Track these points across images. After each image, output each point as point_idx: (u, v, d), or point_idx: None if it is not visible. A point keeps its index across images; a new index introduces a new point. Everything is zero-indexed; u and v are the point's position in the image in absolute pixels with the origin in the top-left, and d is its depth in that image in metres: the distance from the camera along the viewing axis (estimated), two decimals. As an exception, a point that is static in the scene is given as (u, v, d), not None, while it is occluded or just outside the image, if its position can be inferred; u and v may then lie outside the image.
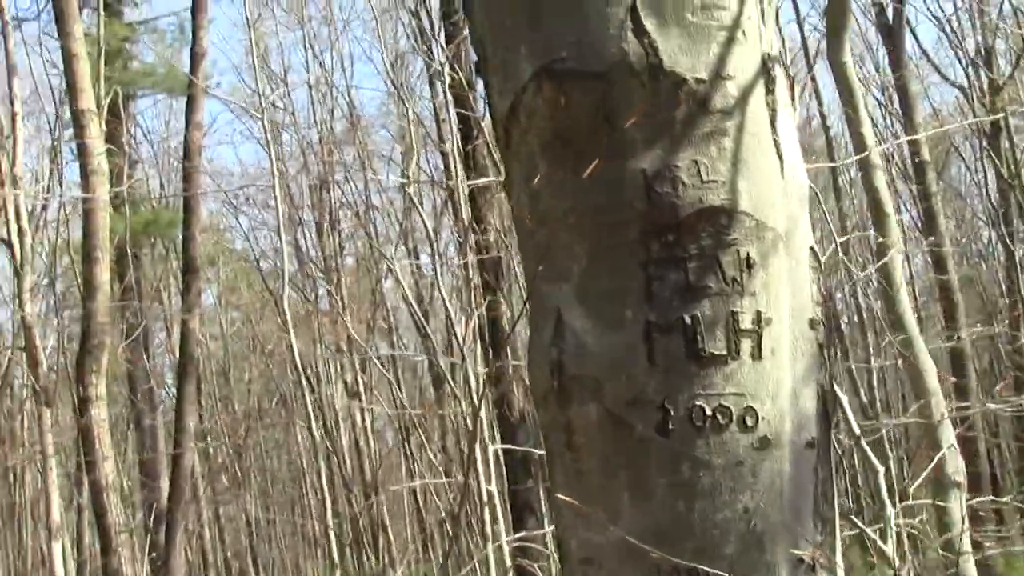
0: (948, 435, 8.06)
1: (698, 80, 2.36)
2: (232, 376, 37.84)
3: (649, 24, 2.36)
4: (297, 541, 37.99)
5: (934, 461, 7.70)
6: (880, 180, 8.02)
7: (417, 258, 26.79)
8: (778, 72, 2.53)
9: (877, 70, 27.40)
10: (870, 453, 6.23)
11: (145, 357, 19.50)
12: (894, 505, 5.93)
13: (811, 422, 2.40)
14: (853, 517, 6.22)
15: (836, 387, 6.25)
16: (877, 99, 28.48)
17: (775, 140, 2.47)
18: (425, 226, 16.00)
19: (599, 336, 2.34)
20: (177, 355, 20.02)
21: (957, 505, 7.79)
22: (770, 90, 2.48)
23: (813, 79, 17.72)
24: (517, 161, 2.49)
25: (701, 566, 2.25)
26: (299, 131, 26.74)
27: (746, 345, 2.32)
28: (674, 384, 2.29)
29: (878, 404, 22.71)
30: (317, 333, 24.70)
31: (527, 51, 2.42)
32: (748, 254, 2.34)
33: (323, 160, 24.46)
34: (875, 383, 23.19)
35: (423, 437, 22.48)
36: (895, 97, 23.79)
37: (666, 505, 2.29)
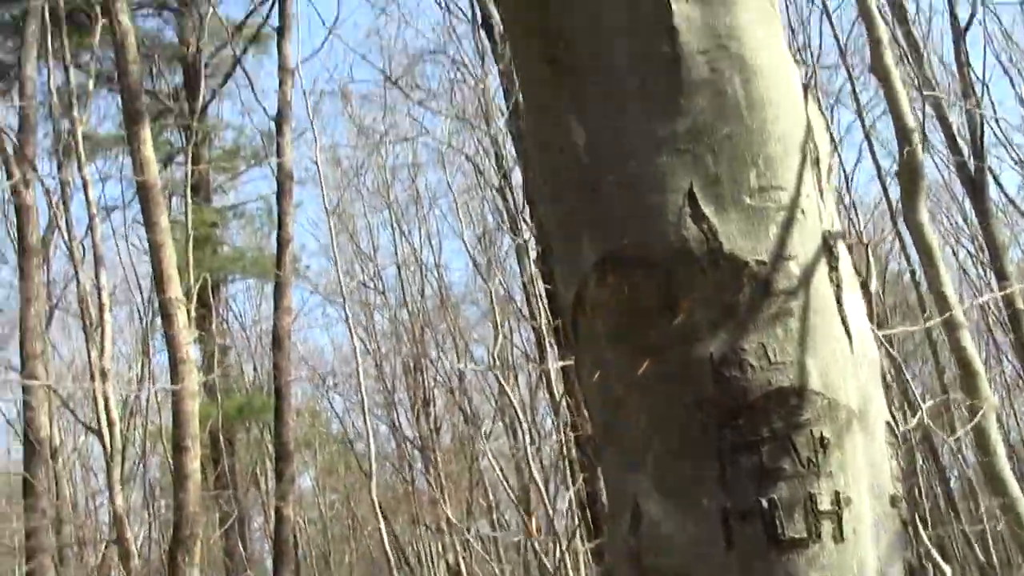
0: None
1: (759, 262, 2.38)
2: (332, 560, 37.70)
3: (707, 209, 2.39)
4: None
5: None
6: (966, 339, 7.91)
7: (514, 433, 26.74)
8: (840, 248, 2.54)
9: (965, 221, 27.24)
10: (935, 555, 6.03)
11: (241, 544, 19.54)
12: None
13: (900, 604, 2.35)
14: None
15: (938, 558, 6.14)
16: (968, 250, 28.30)
17: (842, 316, 2.47)
18: (514, 407, 15.97)
19: (676, 524, 2.33)
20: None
21: None
22: (833, 267, 2.49)
23: (899, 235, 17.66)
24: (585, 348, 2.51)
25: None
26: (390, 310, 27.09)
27: (826, 527, 2.28)
28: (755, 571, 2.26)
29: (997, 568, 22.12)
30: (415, 514, 24.64)
31: (589, 240, 2.46)
32: (822, 434, 2.32)
33: (415, 339, 24.71)
34: (990, 545, 22.55)
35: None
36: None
37: None
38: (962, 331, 7.93)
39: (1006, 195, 25.20)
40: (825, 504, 2.29)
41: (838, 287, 2.49)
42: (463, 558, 23.68)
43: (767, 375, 2.32)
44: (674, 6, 2.50)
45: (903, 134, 7.34)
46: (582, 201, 2.49)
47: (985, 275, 27.03)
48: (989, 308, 27.79)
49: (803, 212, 2.47)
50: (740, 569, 2.26)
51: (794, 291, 2.40)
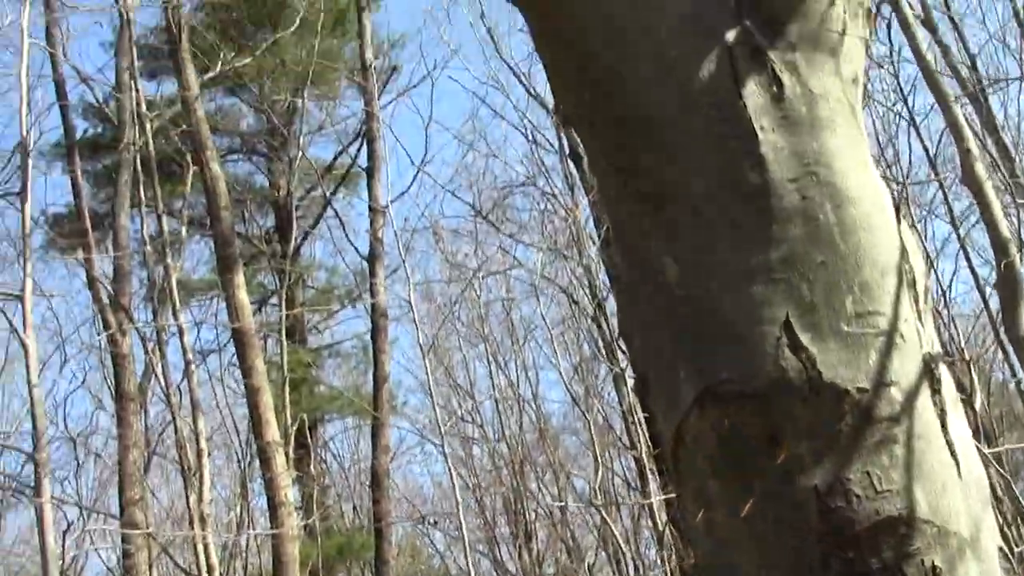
0: None
1: (860, 390, 2.36)
2: None
3: (804, 338, 2.38)
4: None
5: None
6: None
7: (617, 564, 26.39)
8: (942, 370, 2.51)
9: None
10: None
11: None
12: None
13: None
14: None
15: None
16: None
17: (948, 440, 2.43)
18: (616, 539, 15.81)
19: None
20: None
21: None
22: (936, 390, 2.46)
23: (1001, 345, 17.35)
24: (688, 483, 2.50)
25: None
26: (489, 444, 27.03)
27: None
28: None
29: None
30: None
31: (686, 375, 2.46)
32: (933, 563, 2.28)
33: (514, 472, 24.62)
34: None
35: None
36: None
37: None
38: None
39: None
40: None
41: (942, 411, 2.46)
42: None
43: (874, 504, 2.29)
44: (760, 135, 2.52)
45: (999, 245, 7.27)
46: (677, 335, 2.50)
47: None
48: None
49: (902, 336, 2.45)
50: None
51: (897, 417, 2.37)
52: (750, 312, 2.42)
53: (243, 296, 15.52)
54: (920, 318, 2.54)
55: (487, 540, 27.79)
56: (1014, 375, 18.46)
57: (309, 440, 20.72)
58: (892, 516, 2.29)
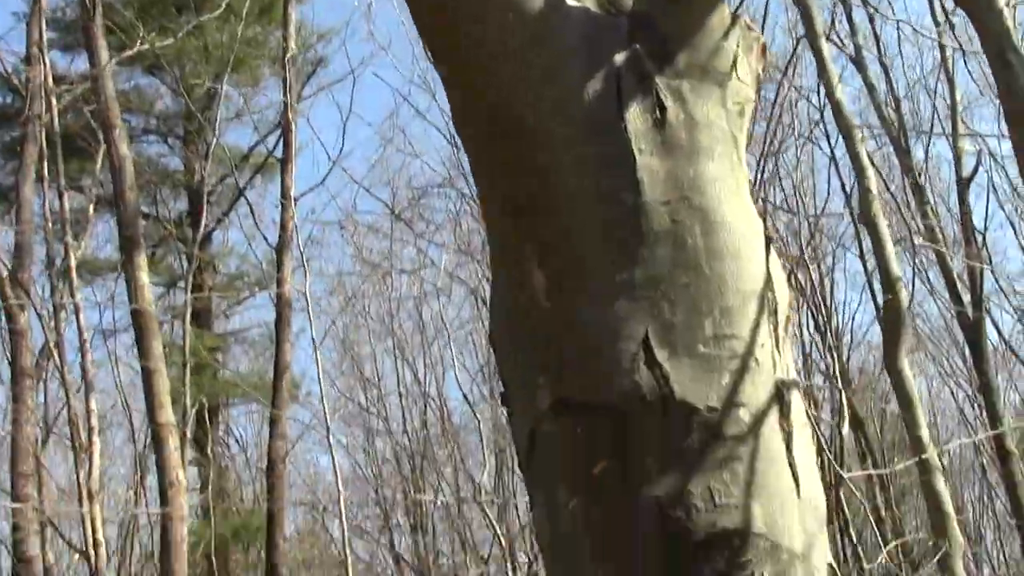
0: None
1: (710, 408, 2.47)
2: None
3: (661, 356, 2.49)
4: None
5: None
6: (939, 483, 8.00)
7: (513, 560, 26.52)
8: (793, 396, 2.64)
9: (964, 363, 27.31)
10: None
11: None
12: None
13: None
14: None
15: None
16: (966, 392, 28.36)
17: (791, 463, 2.55)
18: (498, 535, 15.93)
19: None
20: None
21: None
22: (784, 415, 2.58)
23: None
24: (537, 485, 2.60)
25: None
26: (392, 436, 27.06)
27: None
28: None
29: None
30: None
31: (544, 381, 2.56)
32: (763, 574, 2.40)
33: (414, 465, 24.72)
34: None
35: None
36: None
37: None
38: (935, 474, 8.02)
39: (1004, 340, 25.29)
40: (762, 643, 2.36)
41: (788, 434, 2.58)
42: None
43: (712, 517, 2.41)
44: (638, 157, 2.61)
45: (887, 282, 7.49)
46: (539, 343, 2.59)
47: (981, 415, 27.03)
48: (984, 448, 27.76)
49: (757, 361, 2.56)
50: None
51: (743, 437, 2.49)
52: (612, 327, 2.51)
53: (143, 278, 15.41)
54: (778, 345, 2.66)
55: (384, 529, 27.81)
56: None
57: (208, 424, 20.65)
58: (728, 529, 2.40)
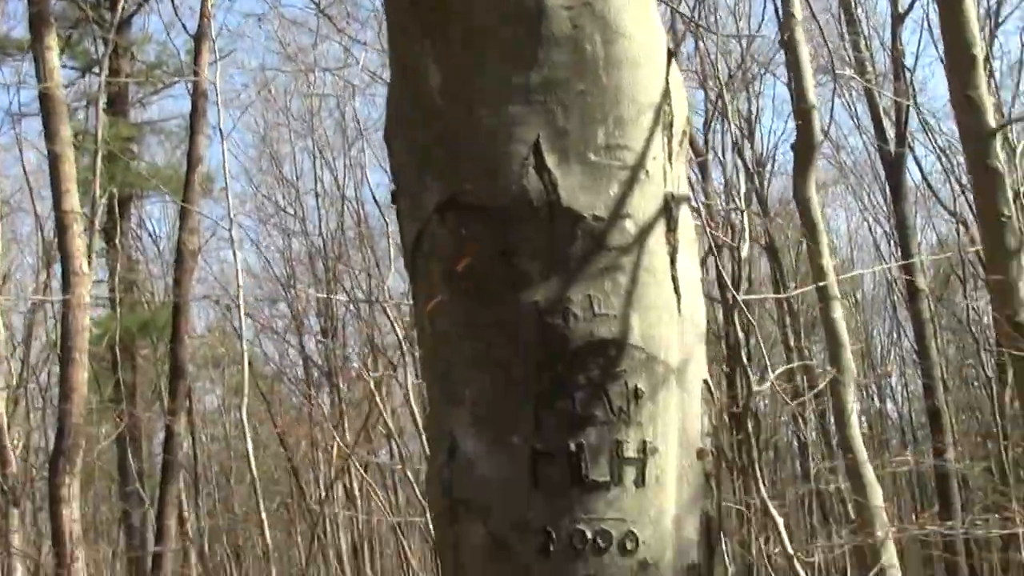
0: (890, 555, 8.12)
1: (596, 217, 2.46)
2: (233, 477, 37.62)
3: (551, 161, 2.46)
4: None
5: None
6: (836, 311, 8.15)
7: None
8: (682, 211, 2.63)
9: (884, 200, 27.64)
10: (802, 573, 6.24)
11: (137, 459, 19.47)
12: None
13: (694, 548, 2.47)
14: None
15: (773, 509, 6.34)
16: (884, 229, 28.76)
17: (673, 277, 2.56)
18: (400, 340, 16.04)
19: (488, 460, 2.42)
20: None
21: None
22: (671, 228, 2.58)
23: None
24: (421, 287, 2.59)
25: None
26: (307, 237, 27.02)
27: (629, 473, 2.39)
28: (557, 509, 2.36)
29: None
30: (314, 438, 24.71)
31: (433, 182, 2.53)
32: (637, 386, 2.42)
33: (328, 267, 24.73)
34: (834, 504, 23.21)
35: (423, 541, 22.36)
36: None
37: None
38: (833, 303, 8.15)
39: (925, 179, 25.58)
40: (630, 451, 2.39)
41: (674, 248, 2.58)
42: (359, 484, 23.79)
43: (589, 326, 2.42)
44: (542, -39, 2.55)
45: (800, 109, 7.49)
46: (431, 142, 2.56)
47: (896, 252, 27.49)
48: (896, 286, 28.31)
49: (647, 173, 2.55)
50: (543, 507, 2.36)
51: (627, 248, 2.49)
52: (504, 129, 2.48)
53: (54, 59, 14.99)
54: (670, 159, 2.64)
55: (296, 330, 27.95)
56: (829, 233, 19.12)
57: (120, 216, 20.41)
58: (605, 339, 2.42)
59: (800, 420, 22.66)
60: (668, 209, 2.58)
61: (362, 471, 18.49)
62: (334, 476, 26.09)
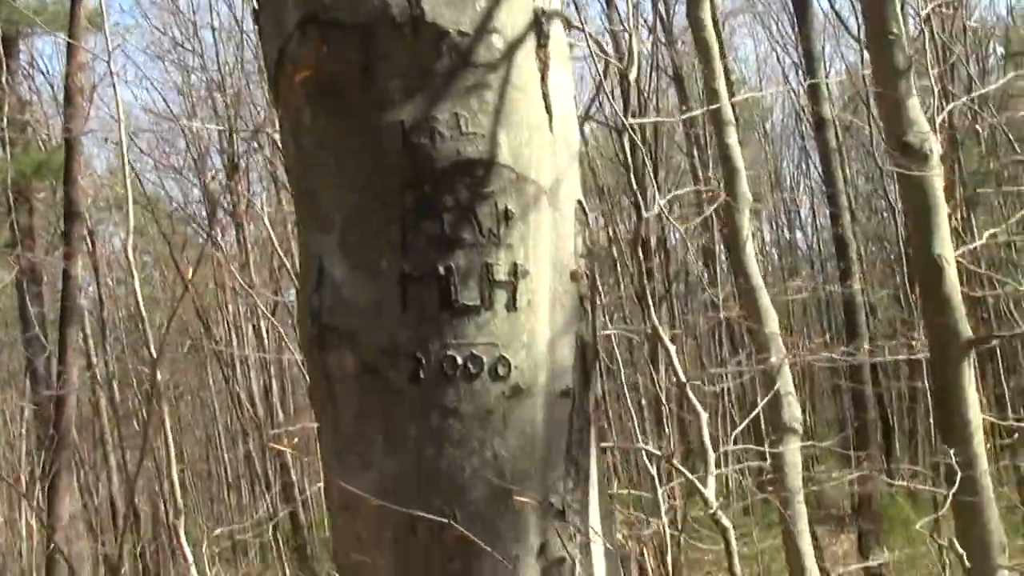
0: (785, 382, 8.25)
1: (461, 33, 2.36)
2: (138, 320, 37.37)
3: (414, -25, 2.36)
4: (211, 484, 37.76)
5: (757, 409, 7.95)
6: (731, 137, 8.12)
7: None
8: (555, 27, 2.54)
9: (793, 29, 27.58)
10: (693, 399, 6.31)
11: (36, 303, 19.15)
12: (715, 449, 6.04)
13: (568, 372, 2.44)
14: (675, 462, 6.29)
15: (664, 336, 6.38)
16: (792, 59, 28.77)
17: (544, 95, 2.48)
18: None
19: (356, 286, 2.36)
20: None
21: (792, 450, 7.99)
22: (542, 44, 2.49)
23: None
24: (285, 109, 2.49)
25: (449, 513, 2.29)
26: (207, 73, 26.43)
27: (500, 296, 2.34)
28: (427, 334, 2.32)
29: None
30: (221, 278, 24.59)
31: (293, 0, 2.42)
32: (506, 207, 2.36)
33: (229, 103, 24.23)
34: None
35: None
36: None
37: (417, 453, 2.31)
38: (726, 128, 8.11)
39: (833, 7, 25.54)
40: (501, 274, 2.34)
41: (544, 65, 2.49)
42: (267, 323, 23.72)
43: (457, 145, 2.34)
44: None
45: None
46: (290, -45, 2.44)
47: (804, 82, 27.49)
48: (804, 114, 28.43)
49: (516, -13, 2.45)
50: (412, 331, 2.31)
51: (495, 65, 2.40)
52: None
53: None
54: (541, -27, 2.54)
55: (198, 168, 27.53)
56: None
57: (7, 55, 19.75)
58: (472, 158, 2.34)
59: (715, 251, 22.82)
60: (538, 24, 2.48)
61: (268, 312, 18.33)
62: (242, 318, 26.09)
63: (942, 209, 7.11)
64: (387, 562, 2.35)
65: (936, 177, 6.96)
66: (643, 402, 22.29)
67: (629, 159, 7.14)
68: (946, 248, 7.11)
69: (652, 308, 6.74)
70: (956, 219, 16.71)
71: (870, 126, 22.93)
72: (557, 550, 2.37)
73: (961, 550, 6.01)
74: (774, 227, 39.36)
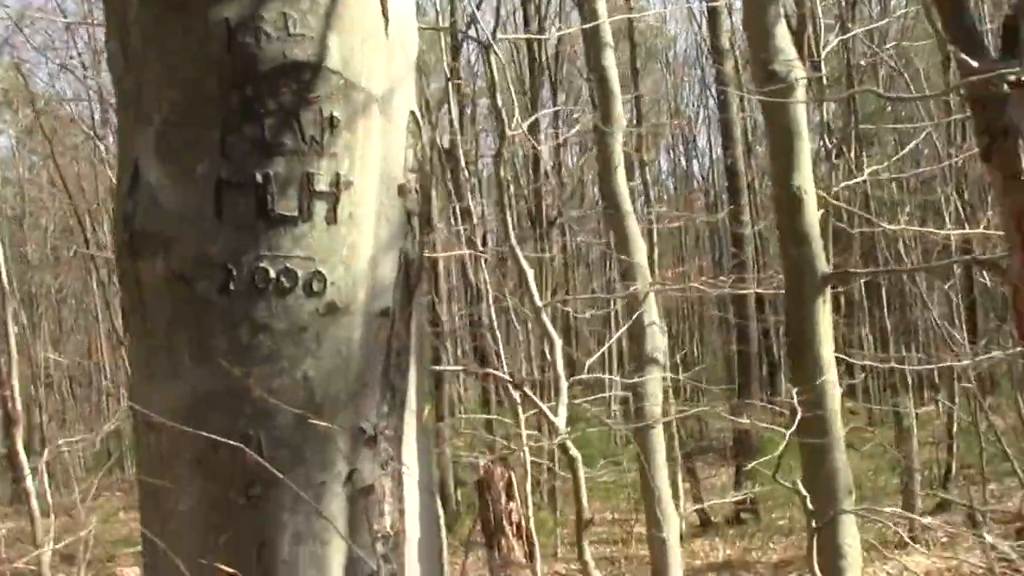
0: (650, 311, 8.23)
1: (284, -71, 2.23)
2: (27, 223, 36.64)
3: None
4: (91, 392, 37.32)
5: (614, 337, 7.93)
6: (607, 59, 8.01)
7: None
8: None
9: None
10: (549, 326, 6.25)
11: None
12: (568, 378, 5.99)
13: (388, 291, 2.33)
14: (527, 390, 6.25)
15: (524, 262, 6.31)
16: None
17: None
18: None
19: (171, 190, 2.23)
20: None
21: (652, 381, 7.99)
22: (377, -56, 2.36)
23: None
24: (110, 2, 2.35)
25: (254, 435, 2.19)
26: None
27: (320, 208, 2.23)
28: (240, 244, 2.20)
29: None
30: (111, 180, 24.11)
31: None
32: (332, 113, 2.24)
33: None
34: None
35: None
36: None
37: (225, 368, 2.20)
38: (605, 50, 8.00)
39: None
40: (322, 184, 2.23)
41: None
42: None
43: (283, 46, 2.22)
44: None
45: None
46: None
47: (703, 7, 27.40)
48: (704, 46, 28.44)
49: None
50: (226, 240, 2.20)
51: (326, -38, 2.27)
52: None
53: None
54: None
55: (94, 66, 26.86)
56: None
57: None
58: (299, 61, 2.22)
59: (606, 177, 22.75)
60: (379, -74, 2.35)
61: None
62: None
63: (804, 141, 7.03)
64: (186, 483, 2.24)
65: (799, 107, 6.89)
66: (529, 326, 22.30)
67: (495, 77, 6.96)
68: (806, 180, 7.04)
69: (510, 228, 6.62)
70: (849, 156, 16.84)
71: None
72: (367, 477, 2.27)
73: (804, 492, 5.97)
74: (671, 156, 39.58)
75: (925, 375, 19.37)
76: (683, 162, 40.75)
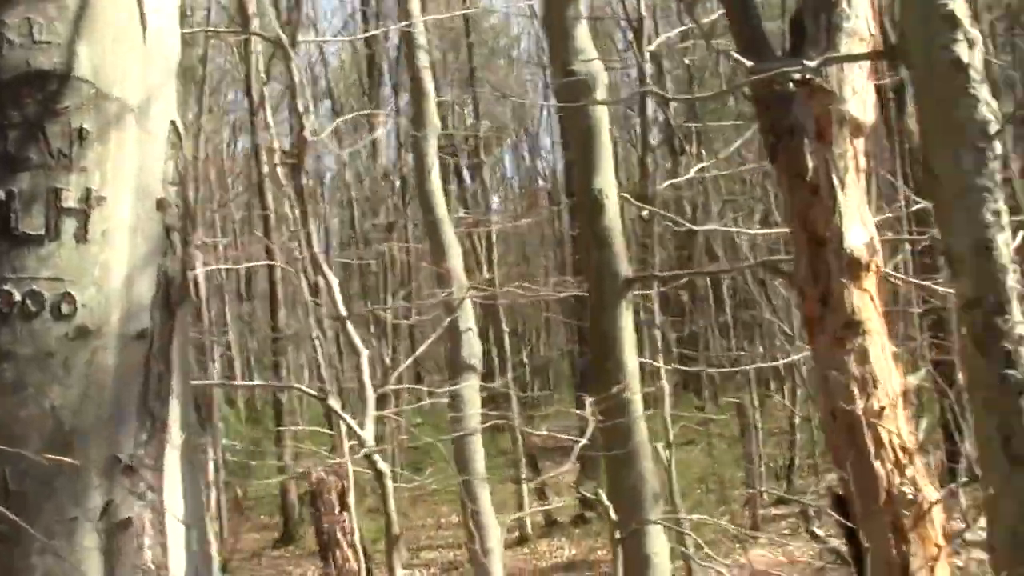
0: (466, 318, 8.11)
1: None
2: None
3: None
4: None
5: (423, 345, 7.87)
6: (422, 60, 7.90)
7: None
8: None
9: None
10: (354, 336, 6.10)
11: None
12: (375, 389, 5.88)
13: (145, 311, 2.20)
14: (332, 403, 6.13)
15: (328, 271, 6.18)
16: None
17: (139, 4, 2.23)
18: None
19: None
20: None
21: (470, 388, 7.89)
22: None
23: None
24: None
25: (0, 466, 2.04)
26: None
27: (69, 225, 2.09)
28: (-20, 266, 2.05)
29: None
30: None
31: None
32: (81, 125, 2.11)
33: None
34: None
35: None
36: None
37: (-31, 398, 2.05)
38: (419, 51, 7.83)
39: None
40: (71, 201, 2.09)
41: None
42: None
43: (26, 54, 2.08)
44: None
45: None
46: None
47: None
48: (544, 44, 28.35)
49: None
50: (-36, 263, 2.05)
51: (79, -33, 2.14)
52: None
53: None
54: None
55: None
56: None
57: None
58: (44, 70, 2.09)
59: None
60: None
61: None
62: None
63: (605, 142, 6.93)
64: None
65: (601, 108, 6.81)
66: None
67: (295, 78, 6.76)
68: (607, 183, 6.94)
69: (313, 236, 6.47)
70: (691, 154, 16.91)
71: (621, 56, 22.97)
72: (124, 511, 2.13)
73: (608, 502, 5.87)
74: (515, 153, 39.44)
75: (770, 369, 19.54)
76: (528, 160, 40.66)
